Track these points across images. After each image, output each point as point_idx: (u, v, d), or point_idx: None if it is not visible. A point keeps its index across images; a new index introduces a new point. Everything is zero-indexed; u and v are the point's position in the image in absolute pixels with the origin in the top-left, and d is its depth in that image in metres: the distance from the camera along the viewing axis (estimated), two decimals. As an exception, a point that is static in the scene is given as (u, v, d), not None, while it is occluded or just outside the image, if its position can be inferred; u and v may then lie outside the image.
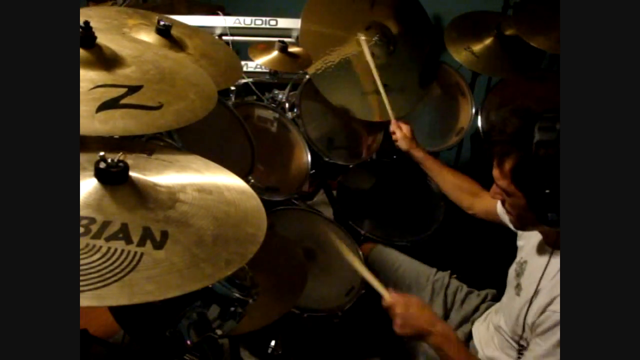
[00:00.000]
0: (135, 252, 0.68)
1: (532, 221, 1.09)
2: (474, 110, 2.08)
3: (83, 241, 0.67)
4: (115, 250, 0.67)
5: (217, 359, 1.01)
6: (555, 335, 1.03)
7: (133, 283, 0.64)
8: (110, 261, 0.65)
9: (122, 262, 0.66)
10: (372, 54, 1.98)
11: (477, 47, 2.07)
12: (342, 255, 1.41)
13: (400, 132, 1.77)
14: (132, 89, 0.88)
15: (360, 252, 1.64)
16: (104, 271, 0.64)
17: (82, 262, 0.64)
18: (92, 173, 0.76)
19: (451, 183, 1.65)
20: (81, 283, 0.62)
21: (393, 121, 1.83)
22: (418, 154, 1.73)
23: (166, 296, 0.64)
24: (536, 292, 1.11)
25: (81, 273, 0.63)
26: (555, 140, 0.98)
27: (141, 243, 0.69)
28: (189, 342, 0.91)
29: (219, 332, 0.94)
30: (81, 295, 0.60)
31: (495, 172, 1.12)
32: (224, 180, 0.91)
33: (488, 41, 2.08)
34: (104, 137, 0.87)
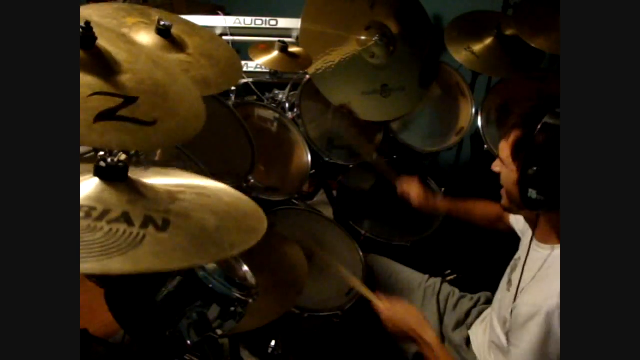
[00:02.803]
0: (138, 233, 0.67)
1: (517, 200, 1.13)
2: (474, 111, 2.08)
3: (84, 223, 0.66)
4: (118, 230, 0.67)
5: (218, 358, 1.02)
6: (532, 331, 1.05)
7: (138, 257, 0.64)
8: (113, 239, 0.65)
9: (126, 240, 0.65)
10: (372, 54, 1.99)
11: (477, 47, 2.07)
12: (331, 263, 1.50)
13: (413, 191, 1.68)
14: (129, 100, 0.86)
15: (361, 253, 1.64)
16: (108, 246, 0.64)
17: (84, 239, 0.64)
18: (91, 175, 0.76)
19: (483, 216, 1.59)
20: (83, 254, 0.61)
21: (399, 185, 1.73)
22: (441, 206, 1.66)
23: (171, 267, 0.65)
24: (519, 287, 1.15)
25: (83, 248, 0.62)
26: (559, 127, 1.02)
27: (144, 226, 0.69)
28: (189, 342, 0.91)
29: (219, 332, 0.95)
30: (84, 261, 0.60)
31: (502, 143, 1.17)
32: (221, 189, 0.91)
33: (488, 41, 2.08)
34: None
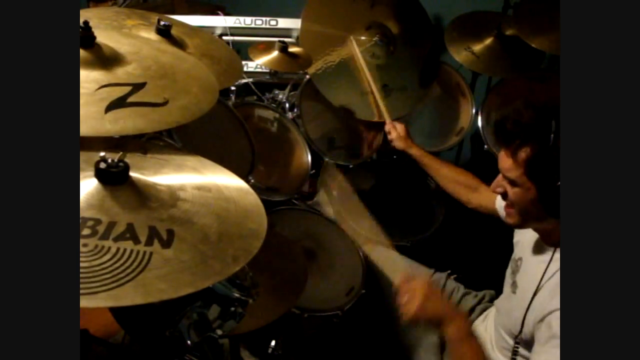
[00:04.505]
0: (145, 252, 0.68)
1: (537, 215, 1.08)
2: (474, 111, 2.08)
3: (92, 242, 0.67)
4: (125, 250, 0.67)
5: (218, 359, 1.01)
6: (555, 347, 1.00)
7: (146, 282, 0.64)
8: (121, 261, 0.66)
9: (133, 262, 0.66)
10: (372, 54, 1.98)
11: (478, 47, 2.07)
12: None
13: (395, 132, 1.79)
14: (137, 87, 0.88)
15: (361, 254, 1.64)
16: (117, 271, 0.64)
17: (93, 263, 0.65)
18: (91, 173, 0.76)
19: (449, 178, 1.65)
20: (95, 284, 0.62)
21: (388, 121, 1.85)
22: (414, 151, 1.74)
23: (180, 294, 0.65)
24: (536, 292, 1.11)
25: (94, 274, 0.63)
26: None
27: (149, 242, 0.70)
28: (189, 342, 0.91)
29: (219, 332, 0.94)
30: (97, 296, 0.61)
31: (507, 163, 1.09)
32: (221, 177, 0.91)
33: (488, 41, 2.08)
34: (100, 136, 0.87)
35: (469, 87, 2.14)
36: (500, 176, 1.14)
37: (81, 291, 0.61)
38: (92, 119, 0.79)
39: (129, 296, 0.62)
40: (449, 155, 2.34)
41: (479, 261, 1.86)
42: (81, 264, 0.64)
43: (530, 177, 1.05)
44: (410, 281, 1.18)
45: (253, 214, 0.84)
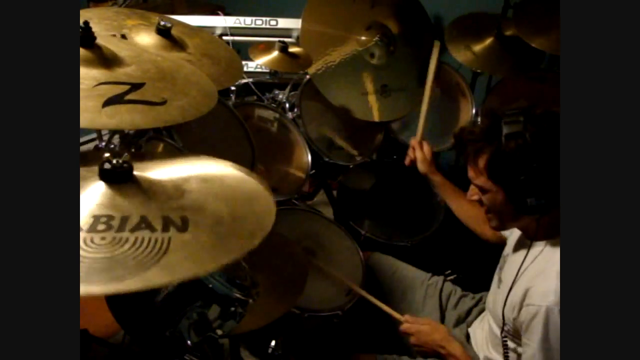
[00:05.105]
0: (163, 238, 0.69)
1: (512, 215, 1.14)
2: (474, 111, 2.08)
3: (109, 235, 0.67)
4: (143, 238, 0.68)
5: (218, 359, 1.02)
6: (536, 330, 1.06)
7: (170, 264, 0.65)
8: (141, 248, 0.66)
9: (154, 248, 0.67)
10: (372, 54, 1.98)
11: (477, 47, 2.07)
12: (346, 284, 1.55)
13: (420, 153, 1.63)
14: (135, 86, 0.88)
15: (361, 254, 1.64)
16: (140, 257, 0.65)
17: (113, 253, 0.65)
18: (96, 179, 0.76)
19: (465, 210, 1.58)
20: (121, 271, 0.62)
21: (416, 141, 1.68)
22: (436, 178, 1.62)
23: (205, 270, 0.67)
24: (513, 284, 1.15)
25: (118, 262, 0.64)
26: (521, 132, 1.05)
27: (165, 229, 0.70)
28: (189, 342, 0.91)
29: (219, 332, 0.95)
30: (124, 282, 0.61)
31: (471, 172, 1.17)
32: (220, 167, 0.92)
33: (488, 41, 2.08)
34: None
35: (469, 87, 2.14)
36: (472, 185, 1.20)
37: (108, 278, 0.61)
38: (89, 112, 0.80)
39: (157, 277, 0.63)
40: (449, 155, 2.34)
41: (478, 262, 1.86)
42: (102, 255, 0.65)
43: (493, 180, 1.12)
44: (403, 319, 1.39)
45: (258, 196, 0.84)
